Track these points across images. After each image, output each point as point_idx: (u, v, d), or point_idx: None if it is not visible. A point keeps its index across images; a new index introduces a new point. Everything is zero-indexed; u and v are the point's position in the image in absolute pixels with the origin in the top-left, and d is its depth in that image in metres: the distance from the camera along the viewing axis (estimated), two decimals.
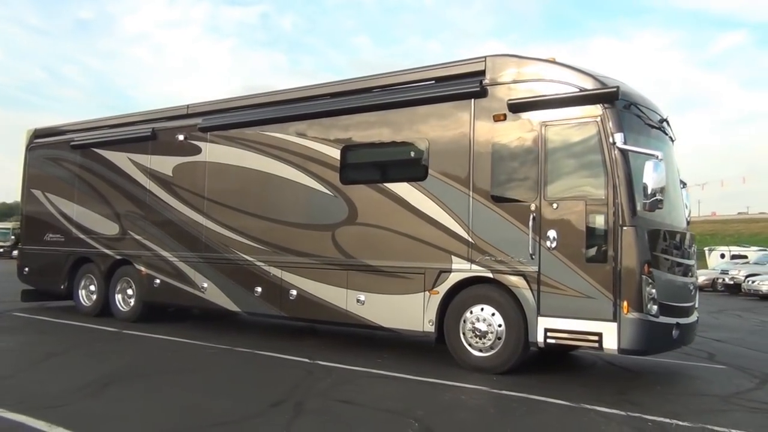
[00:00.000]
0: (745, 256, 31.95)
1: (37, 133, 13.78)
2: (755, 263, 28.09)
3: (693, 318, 7.95)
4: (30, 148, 13.76)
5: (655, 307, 6.97)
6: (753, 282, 23.58)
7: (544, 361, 8.51)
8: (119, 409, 5.66)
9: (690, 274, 8.08)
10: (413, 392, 6.76)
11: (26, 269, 13.56)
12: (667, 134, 8.15)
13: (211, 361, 8.17)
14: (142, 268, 11.38)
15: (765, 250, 32.23)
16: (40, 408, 5.48)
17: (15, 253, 51.89)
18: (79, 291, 12.59)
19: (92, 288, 12.42)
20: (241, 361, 8.20)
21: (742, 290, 24.46)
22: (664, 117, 8.11)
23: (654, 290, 6.95)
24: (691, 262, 8.21)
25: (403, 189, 8.50)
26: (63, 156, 13.01)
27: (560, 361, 8.77)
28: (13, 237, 59.52)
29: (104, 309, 12.01)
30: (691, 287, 8.10)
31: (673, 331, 7.32)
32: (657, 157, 6.85)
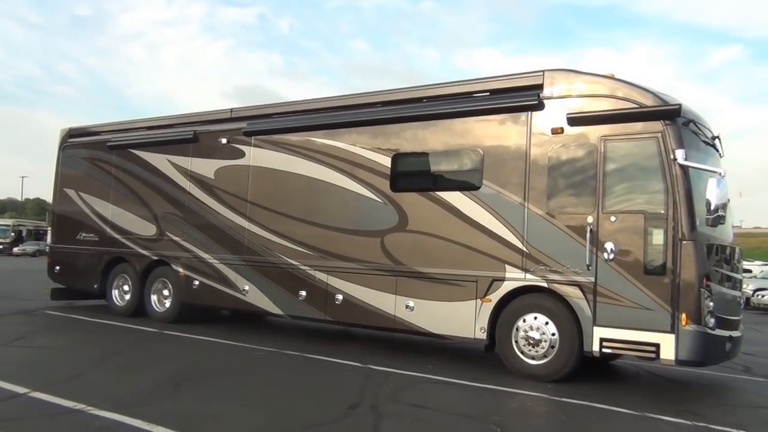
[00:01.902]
0: (750, 270, 32.20)
1: (72, 133, 13.85)
2: (763, 278, 28.34)
3: (740, 332, 8.12)
4: (63, 147, 13.83)
5: (713, 320, 7.13)
6: (762, 296, 23.84)
7: (586, 368, 8.62)
8: (204, 409, 5.76)
9: (738, 287, 8.25)
10: (479, 398, 6.90)
11: (57, 268, 13.60)
12: (717, 150, 8.33)
13: (266, 364, 8.28)
14: (181, 270, 11.46)
15: None
16: (127, 407, 5.57)
17: (16, 250, 52.08)
18: (113, 291, 12.66)
19: (126, 288, 12.49)
20: (295, 364, 8.31)
21: (751, 304, 24.70)
22: (716, 134, 8.30)
23: (712, 303, 7.12)
24: (740, 276, 8.39)
25: (455, 198, 8.64)
26: (99, 156, 13.09)
27: (602, 369, 8.87)
28: (13, 234, 59.62)
29: (138, 309, 12.09)
30: (739, 301, 8.28)
31: (727, 344, 7.50)
32: (720, 174, 7.04)
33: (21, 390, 6.03)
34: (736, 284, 8.15)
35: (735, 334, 7.77)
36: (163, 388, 6.47)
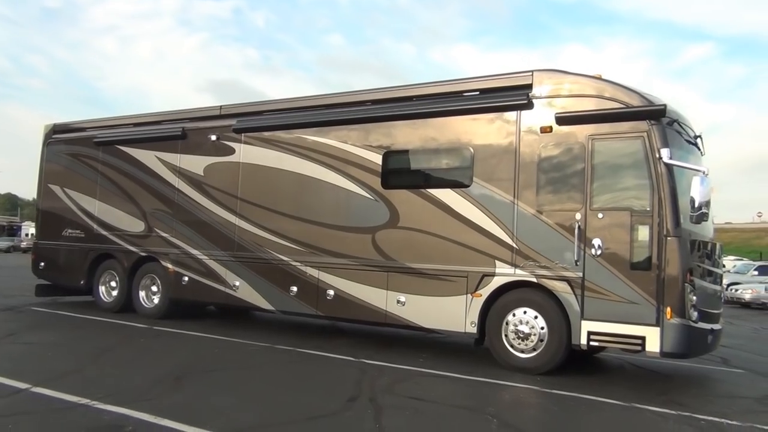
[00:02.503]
0: (723, 265, 32.98)
1: (56, 129, 13.78)
2: (736, 272, 29.03)
3: (720, 325, 8.41)
4: (48, 143, 13.75)
5: (696, 314, 7.41)
6: (735, 291, 24.42)
7: (571, 361, 8.85)
8: (206, 402, 5.87)
9: (719, 282, 8.55)
10: (473, 390, 7.10)
11: (42, 264, 13.52)
12: (699, 149, 8.60)
13: (262, 359, 8.38)
14: (170, 266, 11.49)
15: (742, 260, 33.27)
16: (131, 401, 5.66)
17: None
18: (100, 287, 12.63)
19: (113, 284, 12.49)
20: (290, 358, 8.43)
21: (725, 298, 25.30)
22: (698, 133, 8.57)
23: (695, 297, 7.39)
24: (720, 270, 8.69)
25: (446, 195, 8.81)
26: (85, 152, 13.04)
27: (586, 362, 9.11)
28: None
29: (126, 305, 12.10)
30: (720, 295, 8.58)
31: (708, 337, 7.79)
32: (704, 172, 7.31)
33: (22, 385, 6.08)
34: (717, 279, 8.44)
35: (716, 327, 8.06)
36: (163, 382, 6.57)
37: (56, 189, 13.48)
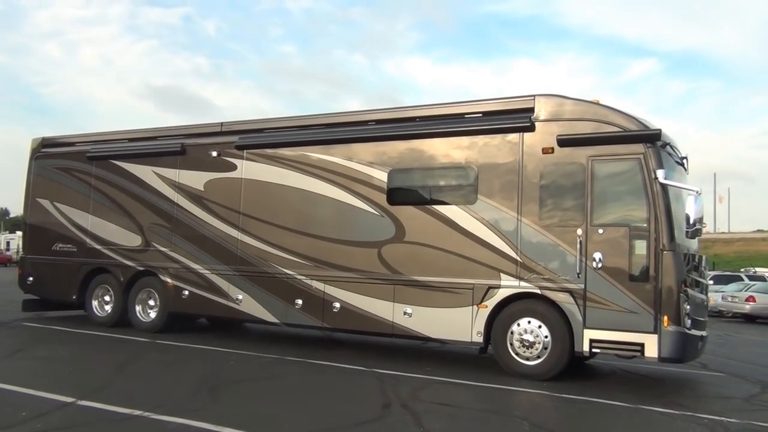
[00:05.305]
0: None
1: (45, 143, 13.74)
2: None
3: (706, 332, 9.08)
4: (36, 157, 13.70)
5: (690, 321, 8.05)
6: None
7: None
8: (255, 412, 6.15)
9: (705, 292, 9.24)
10: (491, 396, 7.56)
11: (30, 279, 13.42)
12: (685, 169, 9.30)
13: (280, 370, 8.65)
14: (169, 280, 11.62)
15: None
16: (182, 411, 5.89)
17: None
18: (92, 301, 12.63)
19: (107, 298, 12.52)
20: (305, 369, 8.72)
21: None
22: (684, 155, 9.27)
23: (688, 306, 8.03)
24: (706, 281, 9.39)
25: (452, 211, 9.28)
26: (76, 166, 13.05)
27: (579, 368, 9.65)
28: None
29: (121, 319, 12.15)
30: (706, 304, 9.27)
31: (699, 343, 8.45)
32: (697, 192, 7.97)
33: (66, 399, 6.22)
34: (704, 289, 9.13)
35: (704, 333, 8.73)
36: (199, 394, 6.80)
37: (45, 203, 13.42)
